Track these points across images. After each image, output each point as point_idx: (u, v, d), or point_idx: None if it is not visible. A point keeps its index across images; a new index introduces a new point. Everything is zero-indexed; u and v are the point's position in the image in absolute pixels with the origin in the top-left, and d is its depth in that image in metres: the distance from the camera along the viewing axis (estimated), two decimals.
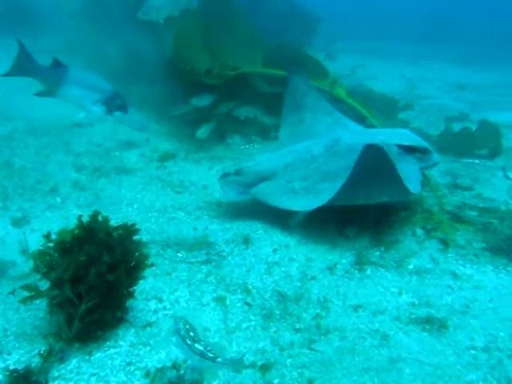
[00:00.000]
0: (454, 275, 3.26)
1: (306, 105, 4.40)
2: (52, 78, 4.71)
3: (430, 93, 9.40)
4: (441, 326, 2.77)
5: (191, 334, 2.15)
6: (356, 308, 2.92)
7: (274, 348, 2.57)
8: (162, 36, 6.38)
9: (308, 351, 2.56)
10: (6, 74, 4.56)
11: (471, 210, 4.13)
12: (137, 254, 2.58)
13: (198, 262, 3.35)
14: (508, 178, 4.98)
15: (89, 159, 5.03)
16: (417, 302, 2.99)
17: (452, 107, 7.93)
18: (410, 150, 3.77)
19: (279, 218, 3.96)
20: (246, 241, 3.62)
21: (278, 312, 2.88)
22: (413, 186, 3.44)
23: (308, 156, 3.84)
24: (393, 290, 3.11)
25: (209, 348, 2.11)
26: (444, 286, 3.14)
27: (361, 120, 5.16)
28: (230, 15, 6.40)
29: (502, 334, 2.68)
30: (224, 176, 4.00)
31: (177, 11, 5.54)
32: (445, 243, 3.60)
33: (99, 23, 7.63)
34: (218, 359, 2.08)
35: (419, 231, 3.76)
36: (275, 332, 2.71)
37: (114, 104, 4.96)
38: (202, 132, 5.19)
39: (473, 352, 2.57)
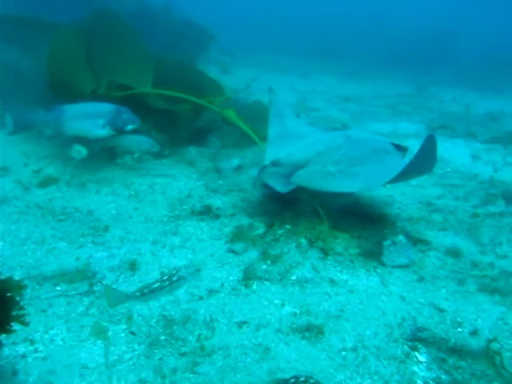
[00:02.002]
0: (332, 282, 3.50)
1: (286, 115, 5.05)
2: (50, 122, 4.92)
3: (318, 105, 10.04)
4: (318, 332, 2.96)
5: None
6: (241, 324, 3.01)
7: (156, 377, 2.55)
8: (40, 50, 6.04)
9: (191, 375, 2.58)
10: (12, 133, 5.34)
11: (350, 217, 4.48)
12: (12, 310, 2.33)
13: (78, 294, 3.19)
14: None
15: None
16: (298, 311, 3.15)
17: (337, 118, 8.58)
18: (397, 147, 4.48)
19: (169, 238, 3.96)
20: (133, 266, 3.54)
21: (163, 338, 2.86)
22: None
23: (334, 145, 4.39)
24: (276, 302, 3.25)
25: None
26: (322, 293, 3.36)
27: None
28: (117, 32, 6.25)
29: (368, 332, 2.95)
30: (262, 169, 4.25)
31: None
32: (325, 252, 3.87)
33: None
34: None
35: (303, 242, 3.98)
36: (159, 359, 2.69)
37: (121, 120, 4.83)
38: (77, 151, 4.88)
39: (343, 353, 2.79)
